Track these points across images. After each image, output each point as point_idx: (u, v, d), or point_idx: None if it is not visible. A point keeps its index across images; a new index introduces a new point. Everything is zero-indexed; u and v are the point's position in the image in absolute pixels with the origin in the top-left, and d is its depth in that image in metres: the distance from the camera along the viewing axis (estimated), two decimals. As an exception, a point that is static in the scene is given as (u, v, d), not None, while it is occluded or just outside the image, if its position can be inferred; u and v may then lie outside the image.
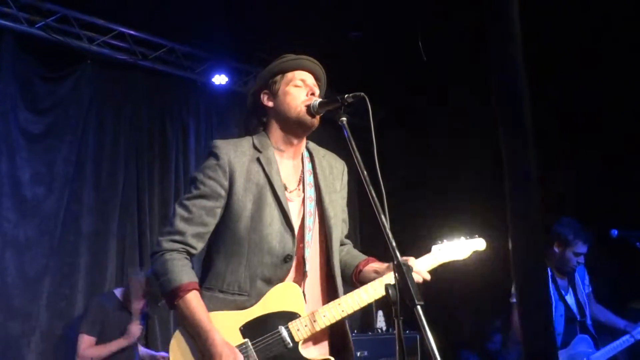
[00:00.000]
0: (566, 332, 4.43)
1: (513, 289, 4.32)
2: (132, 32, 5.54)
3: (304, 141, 2.35)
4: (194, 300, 2.09)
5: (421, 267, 2.28)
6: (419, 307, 1.61)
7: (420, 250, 2.44)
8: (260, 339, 2.10)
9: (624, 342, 4.20)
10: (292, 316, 2.14)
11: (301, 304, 2.17)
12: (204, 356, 2.05)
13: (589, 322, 4.48)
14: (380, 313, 5.52)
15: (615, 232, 4.18)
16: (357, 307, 2.20)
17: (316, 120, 2.25)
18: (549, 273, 4.40)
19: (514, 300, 4.28)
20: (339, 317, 2.17)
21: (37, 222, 5.09)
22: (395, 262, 1.68)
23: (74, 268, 5.22)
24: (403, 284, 1.62)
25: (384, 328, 5.30)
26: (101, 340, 4.57)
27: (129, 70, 5.78)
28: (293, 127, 2.27)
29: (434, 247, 2.44)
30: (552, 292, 4.42)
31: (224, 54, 6.07)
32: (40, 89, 5.32)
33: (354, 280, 2.38)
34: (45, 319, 4.98)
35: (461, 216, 6.09)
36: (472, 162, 6.07)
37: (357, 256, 2.46)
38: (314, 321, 2.14)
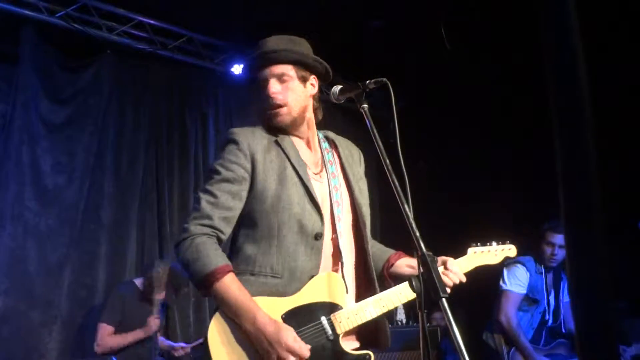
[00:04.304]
0: (538, 331, 4.30)
1: (504, 274, 4.26)
2: (151, 21, 5.52)
3: (313, 127, 2.31)
4: (234, 282, 2.01)
5: (459, 269, 2.25)
6: (444, 299, 1.56)
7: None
8: (303, 329, 2.05)
9: None
10: (333, 307, 2.09)
11: (342, 295, 2.12)
12: (252, 338, 1.97)
13: (563, 330, 4.32)
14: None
15: None
16: (398, 304, 2.15)
17: (286, 117, 2.21)
18: (534, 266, 4.26)
19: (504, 287, 4.24)
20: (380, 313, 2.13)
21: (58, 211, 5.12)
22: (419, 253, 1.63)
23: (95, 257, 5.25)
24: (427, 275, 1.57)
25: (404, 321, 5.24)
26: (120, 329, 4.58)
27: (148, 60, 5.78)
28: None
29: (469, 250, 2.44)
30: (541, 285, 4.28)
31: (243, 44, 6.03)
32: (60, 79, 5.34)
33: (385, 273, 2.33)
34: (66, 308, 5.02)
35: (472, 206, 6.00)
36: (497, 152, 5.98)
37: (387, 250, 2.43)
38: (356, 314, 2.10)
